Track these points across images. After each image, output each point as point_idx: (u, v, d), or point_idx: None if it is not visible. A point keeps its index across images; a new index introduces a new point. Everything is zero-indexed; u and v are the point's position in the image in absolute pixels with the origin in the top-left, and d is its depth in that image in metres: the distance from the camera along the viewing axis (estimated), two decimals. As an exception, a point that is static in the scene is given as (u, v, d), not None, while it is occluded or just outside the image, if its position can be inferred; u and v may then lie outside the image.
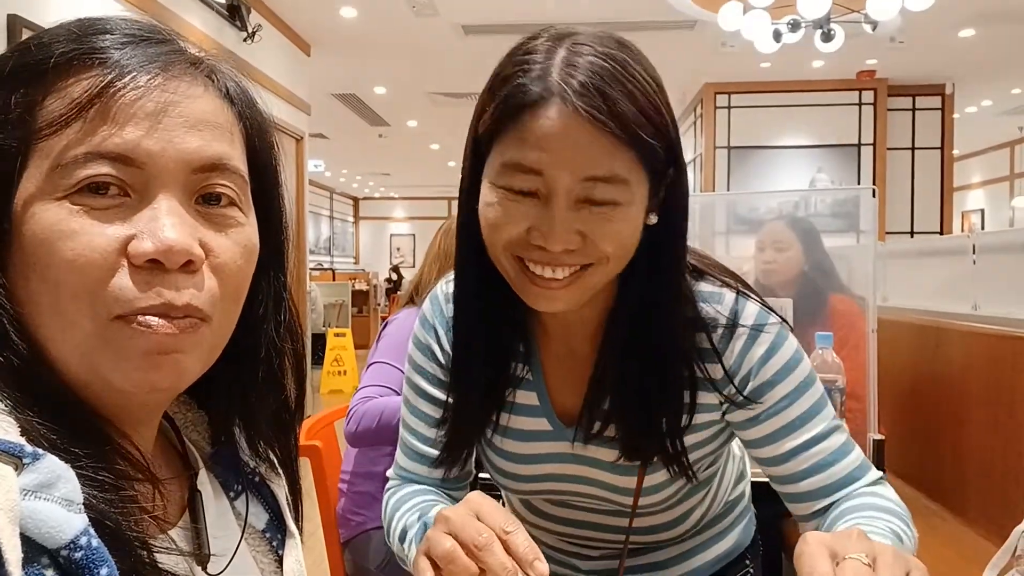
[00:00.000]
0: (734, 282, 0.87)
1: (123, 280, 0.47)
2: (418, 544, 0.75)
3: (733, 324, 0.83)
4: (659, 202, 0.77)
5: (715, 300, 0.85)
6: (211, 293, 0.51)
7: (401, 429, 0.97)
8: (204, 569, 0.55)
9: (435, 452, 0.93)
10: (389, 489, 0.96)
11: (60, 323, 0.48)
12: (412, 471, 0.95)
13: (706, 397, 0.85)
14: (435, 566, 0.65)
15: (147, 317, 0.48)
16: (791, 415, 0.83)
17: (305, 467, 1.84)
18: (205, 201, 0.52)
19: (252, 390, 0.61)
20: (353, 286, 9.91)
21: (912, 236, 7.29)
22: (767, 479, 0.89)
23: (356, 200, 17.82)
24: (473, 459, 0.97)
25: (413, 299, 2.03)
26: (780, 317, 0.86)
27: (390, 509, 0.92)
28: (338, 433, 2.02)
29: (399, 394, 1.78)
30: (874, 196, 1.85)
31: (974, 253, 2.48)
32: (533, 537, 1.03)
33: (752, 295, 0.87)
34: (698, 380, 0.84)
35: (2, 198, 0.47)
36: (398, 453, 0.98)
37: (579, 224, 0.72)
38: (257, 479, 0.64)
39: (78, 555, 0.40)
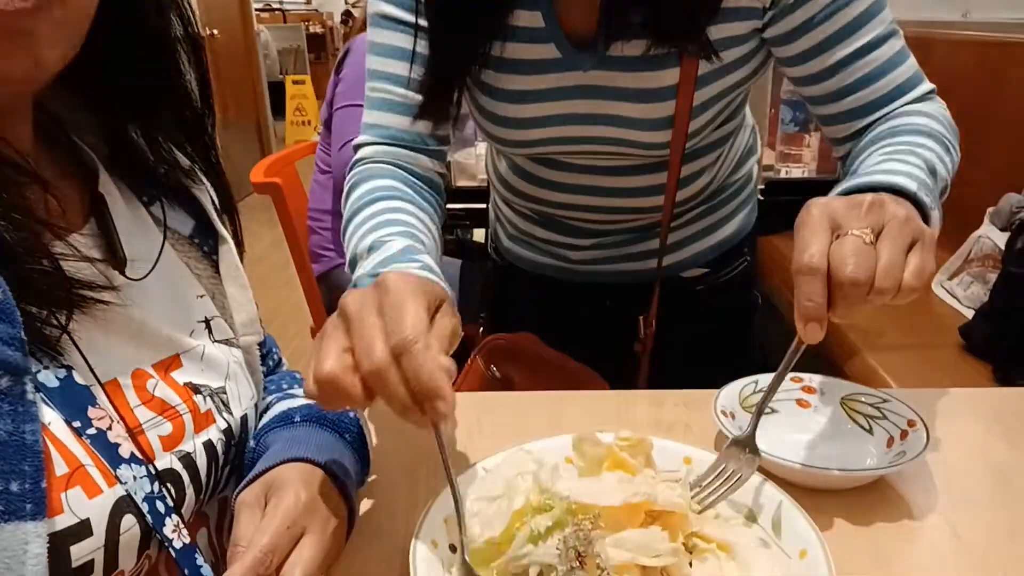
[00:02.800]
0: None
1: None
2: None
3: None
4: None
5: None
6: None
7: (369, 77, 0.83)
8: (123, 275, 0.52)
9: (412, 95, 0.80)
10: (358, 162, 0.84)
11: None
12: (386, 124, 0.83)
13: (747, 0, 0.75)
14: None
15: None
16: (847, 17, 0.73)
17: (268, 204, 1.81)
18: None
19: (137, 83, 0.54)
20: (307, 29, 9.20)
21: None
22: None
23: (300, -71, 15.88)
24: (455, 115, 0.84)
25: (368, 22, 1.86)
26: None
27: (351, 204, 0.79)
28: (300, 171, 1.96)
29: None
30: None
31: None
32: (526, 218, 1.00)
33: None
34: None
35: None
36: (366, 109, 0.84)
37: None
38: (172, 183, 0.58)
39: None
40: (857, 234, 0.52)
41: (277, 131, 6.72)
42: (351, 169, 0.85)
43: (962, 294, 1.90)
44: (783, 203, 1.93)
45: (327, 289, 1.96)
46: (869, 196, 0.55)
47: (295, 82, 7.00)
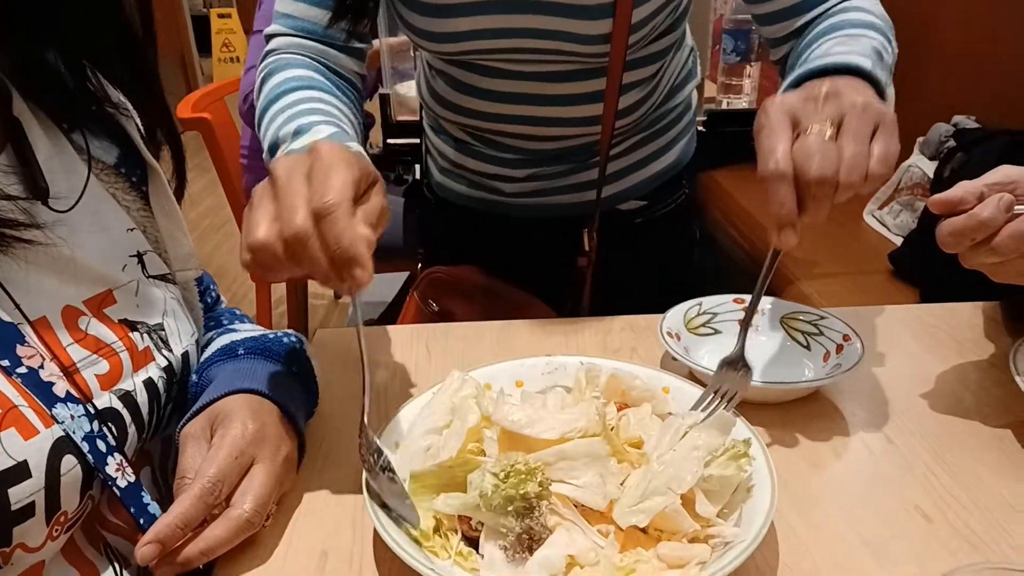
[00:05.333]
0: None
1: None
2: None
3: None
4: None
5: None
6: None
7: None
8: (46, 205, 0.49)
9: None
10: (270, 53, 0.80)
11: None
12: (300, 16, 0.79)
13: None
14: None
15: None
16: None
17: (198, 147, 1.74)
18: None
19: (74, 13, 0.50)
20: (231, -41, 8.67)
21: None
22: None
23: None
24: (374, 10, 0.81)
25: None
26: None
27: (267, 94, 0.75)
28: (230, 107, 1.87)
29: None
30: None
31: None
32: (459, 144, 0.96)
33: None
34: None
35: None
36: None
37: None
38: (94, 108, 0.55)
39: None
40: (817, 130, 0.52)
41: (204, 69, 6.39)
42: (262, 60, 0.81)
43: (892, 222, 1.97)
44: (724, 135, 1.96)
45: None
46: (825, 86, 0.55)
47: (221, 15, 6.62)
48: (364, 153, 0.64)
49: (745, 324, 0.60)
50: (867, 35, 0.69)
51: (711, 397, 0.59)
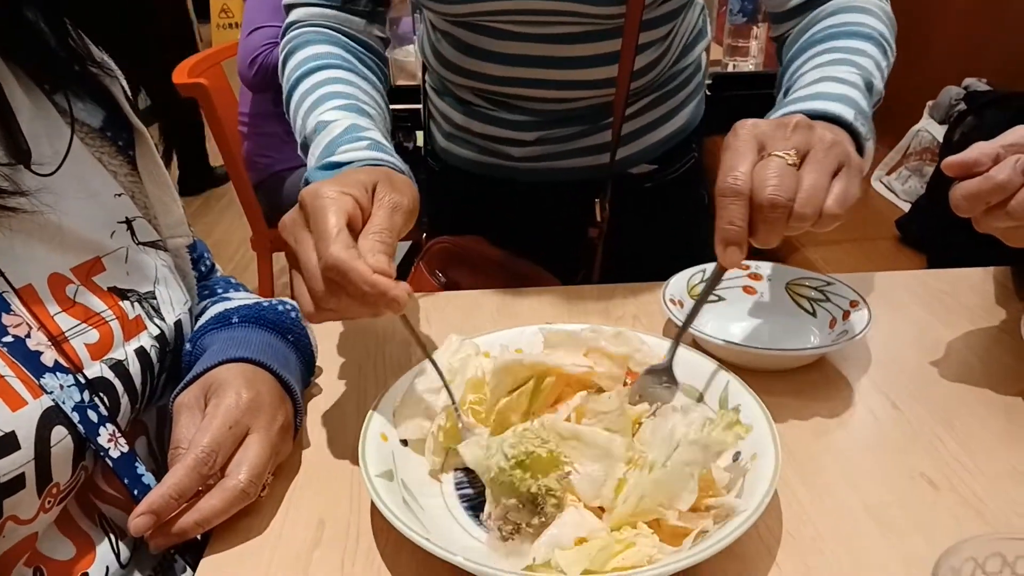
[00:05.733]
0: None
1: None
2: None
3: None
4: None
5: None
6: None
7: None
8: (28, 169, 0.48)
9: None
10: (291, 26, 0.80)
11: None
12: None
13: None
14: None
15: None
16: None
17: (194, 107, 1.71)
18: None
19: None
20: (228, -78, 8.50)
21: None
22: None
23: None
24: None
25: None
26: None
27: (289, 74, 0.76)
28: (228, 72, 1.84)
29: None
30: None
31: None
32: (466, 106, 0.94)
33: None
34: None
35: None
36: None
37: None
38: (78, 69, 0.53)
39: None
40: (780, 155, 0.51)
41: (202, 35, 6.30)
42: (284, 34, 0.80)
43: (900, 188, 1.95)
44: (730, 98, 1.92)
45: (264, 196, 1.89)
46: (797, 116, 0.54)
47: (218, -19, 6.52)
48: (381, 142, 0.65)
49: (678, 336, 0.59)
50: (863, 52, 0.66)
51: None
